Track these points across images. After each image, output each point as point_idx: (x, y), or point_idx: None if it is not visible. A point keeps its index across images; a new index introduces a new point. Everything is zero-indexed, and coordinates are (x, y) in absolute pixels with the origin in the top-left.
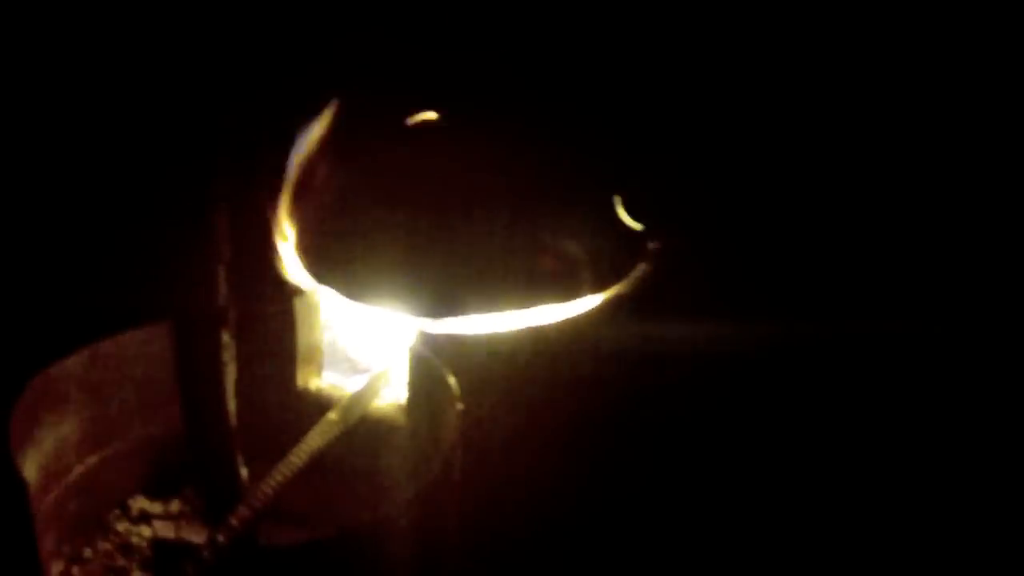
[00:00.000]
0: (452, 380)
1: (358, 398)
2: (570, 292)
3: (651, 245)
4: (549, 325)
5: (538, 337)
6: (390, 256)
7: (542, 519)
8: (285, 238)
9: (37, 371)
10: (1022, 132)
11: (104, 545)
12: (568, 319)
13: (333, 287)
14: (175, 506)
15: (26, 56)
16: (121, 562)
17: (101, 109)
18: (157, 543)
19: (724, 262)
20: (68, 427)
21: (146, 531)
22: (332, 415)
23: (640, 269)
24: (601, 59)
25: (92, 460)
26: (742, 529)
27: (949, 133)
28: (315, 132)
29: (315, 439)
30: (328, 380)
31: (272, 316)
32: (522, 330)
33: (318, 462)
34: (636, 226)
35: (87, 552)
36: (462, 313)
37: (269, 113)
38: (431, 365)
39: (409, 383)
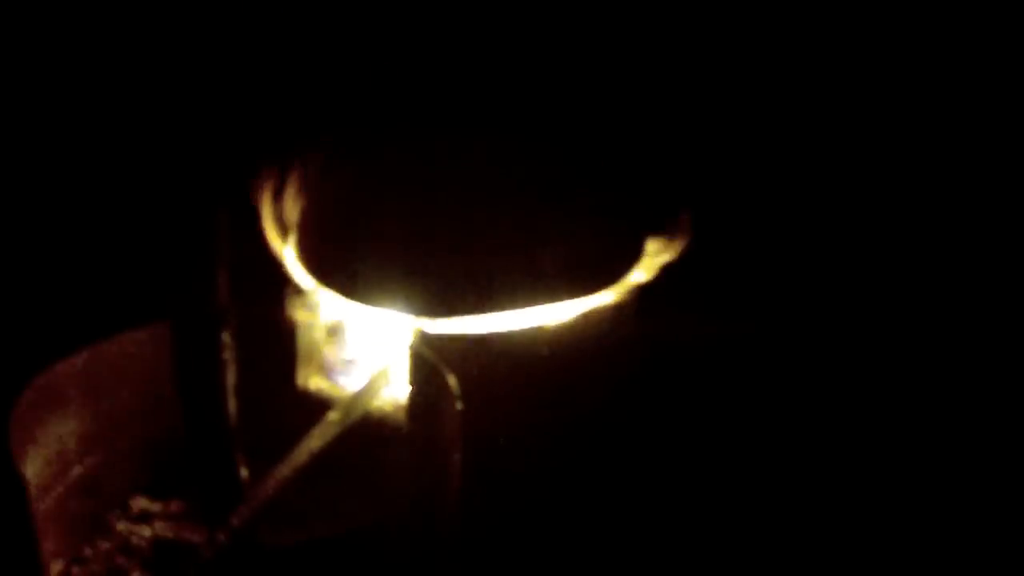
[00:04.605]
0: (452, 380)
1: (358, 398)
2: (570, 292)
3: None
4: (549, 325)
5: (538, 337)
6: (390, 256)
7: (542, 519)
8: (285, 239)
9: (37, 371)
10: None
11: (104, 545)
12: (568, 319)
13: (333, 287)
14: (175, 506)
15: (30, 59)
16: (121, 562)
17: (101, 109)
18: (157, 543)
19: (723, 261)
20: (68, 427)
21: (146, 531)
22: (332, 415)
23: (640, 268)
24: (600, 60)
25: (92, 460)
26: (744, 527)
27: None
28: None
29: (315, 439)
30: (328, 380)
31: (272, 316)
32: (522, 330)
33: (318, 462)
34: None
35: (87, 552)
36: (462, 313)
37: (271, 114)
38: (431, 365)
39: (409, 383)
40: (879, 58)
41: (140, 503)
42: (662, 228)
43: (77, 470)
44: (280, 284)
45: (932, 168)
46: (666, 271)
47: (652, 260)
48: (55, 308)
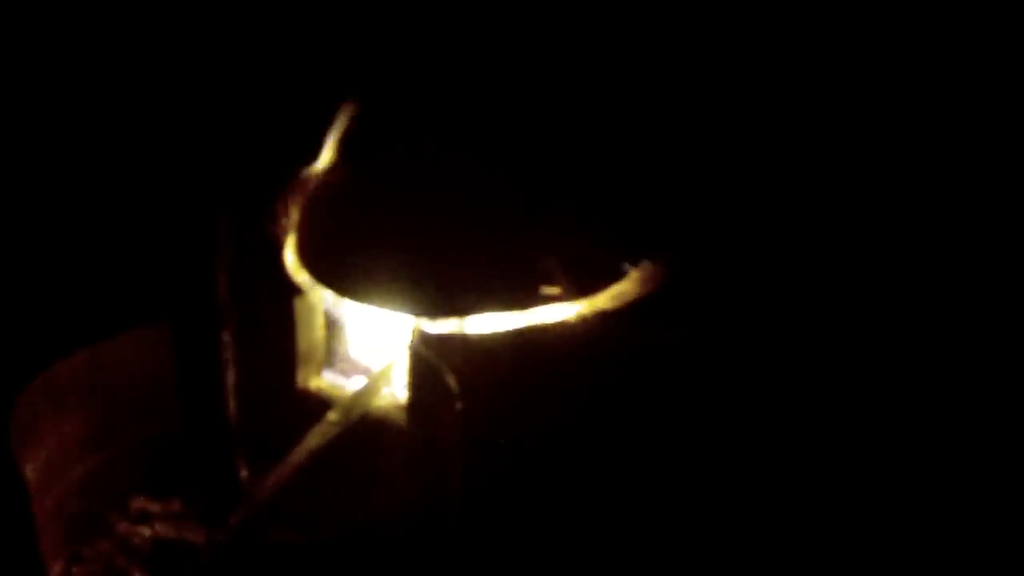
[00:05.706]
0: (452, 380)
1: (358, 398)
2: (569, 293)
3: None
4: (548, 325)
5: (536, 337)
6: (390, 256)
7: (541, 519)
8: (285, 238)
9: (37, 371)
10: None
11: (104, 545)
12: (567, 319)
13: (333, 287)
14: (175, 506)
15: (36, 62)
16: (121, 562)
17: (102, 110)
18: (157, 543)
19: (722, 262)
20: (68, 427)
21: (146, 531)
22: (332, 415)
23: (637, 270)
24: (600, 64)
25: (92, 460)
26: (740, 528)
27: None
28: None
29: (315, 439)
30: (328, 380)
31: (272, 316)
32: (521, 330)
33: (318, 462)
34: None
35: (87, 552)
36: (462, 313)
37: (272, 115)
38: (431, 365)
39: (409, 383)
40: (866, 77)
41: (140, 503)
42: (659, 233)
43: (77, 470)
44: (280, 284)
45: (917, 184)
46: (663, 278)
47: (647, 266)
48: (55, 308)
